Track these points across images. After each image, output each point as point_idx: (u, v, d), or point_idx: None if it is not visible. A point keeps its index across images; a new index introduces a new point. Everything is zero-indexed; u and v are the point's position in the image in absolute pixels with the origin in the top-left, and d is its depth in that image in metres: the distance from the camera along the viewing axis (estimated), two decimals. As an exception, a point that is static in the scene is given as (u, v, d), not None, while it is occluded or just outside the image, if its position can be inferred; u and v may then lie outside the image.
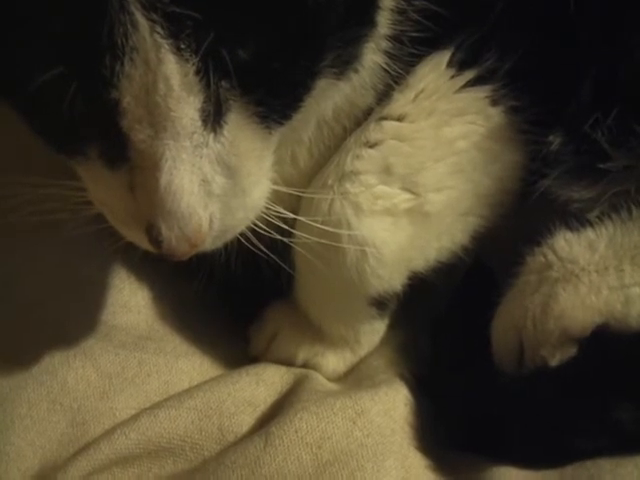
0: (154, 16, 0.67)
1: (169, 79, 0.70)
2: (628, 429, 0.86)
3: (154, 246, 0.77)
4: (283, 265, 0.95)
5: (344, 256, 0.94)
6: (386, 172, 0.94)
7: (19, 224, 0.94)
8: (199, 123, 0.73)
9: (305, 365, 1.06)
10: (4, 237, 1.02)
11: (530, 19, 0.92)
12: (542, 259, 0.92)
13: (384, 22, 0.88)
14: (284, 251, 0.95)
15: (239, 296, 1.08)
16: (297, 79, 0.78)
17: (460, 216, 0.99)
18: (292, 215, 0.91)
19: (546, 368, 0.90)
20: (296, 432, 0.90)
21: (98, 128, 0.74)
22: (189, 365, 1.02)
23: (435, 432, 0.96)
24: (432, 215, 0.96)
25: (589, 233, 0.91)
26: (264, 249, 0.89)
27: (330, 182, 0.94)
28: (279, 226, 0.89)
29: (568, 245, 0.91)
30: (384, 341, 1.08)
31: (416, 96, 0.94)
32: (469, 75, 0.94)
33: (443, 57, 0.93)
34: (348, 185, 0.94)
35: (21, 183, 0.88)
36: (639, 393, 0.86)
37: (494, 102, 0.94)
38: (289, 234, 0.92)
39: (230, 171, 0.77)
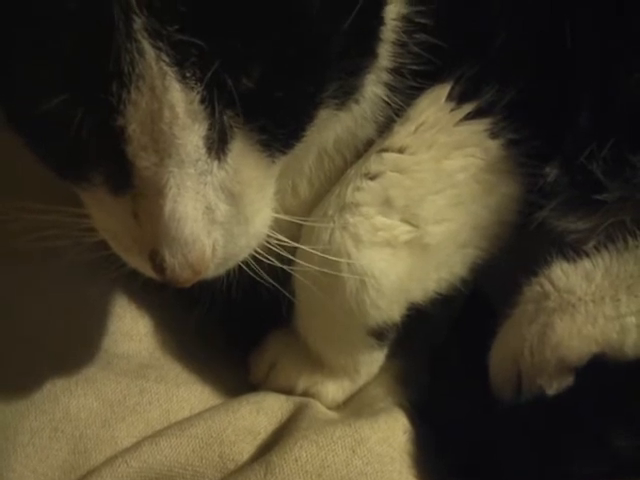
0: (160, 44, 0.67)
1: (174, 107, 0.70)
2: (626, 456, 0.86)
3: (157, 273, 0.77)
4: (284, 292, 0.95)
5: (344, 286, 0.95)
6: (386, 204, 0.95)
7: (21, 250, 0.94)
8: (203, 150, 0.73)
9: (305, 393, 1.05)
10: (6, 263, 1.02)
11: (529, 53, 0.93)
12: (539, 289, 0.93)
13: (385, 54, 0.89)
14: (285, 279, 0.95)
15: (239, 324, 1.08)
16: (300, 108, 0.78)
17: (459, 248, 0.99)
18: (293, 243, 0.91)
19: (544, 397, 0.90)
20: (296, 461, 0.90)
21: (103, 155, 0.74)
22: (190, 393, 1.02)
23: (434, 460, 0.96)
24: (431, 247, 0.97)
25: (585, 263, 0.92)
26: (265, 277, 0.89)
27: (330, 212, 0.95)
28: (280, 254, 0.89)
29: (565, 275, 0.92)
30: (383, 369, 1.09)
31: (416, 128, 0.94)
32: (468, 108, 0.94)
33: (443, 90, 0.94)
34: (348, 216, 0.94)
35: (23, 209, 0.88)
36: (637, 421, 0.86)
37: (493, 135, 0.95)
38: (290, 262, 0.92)
39: (233, 199, 0.77)
